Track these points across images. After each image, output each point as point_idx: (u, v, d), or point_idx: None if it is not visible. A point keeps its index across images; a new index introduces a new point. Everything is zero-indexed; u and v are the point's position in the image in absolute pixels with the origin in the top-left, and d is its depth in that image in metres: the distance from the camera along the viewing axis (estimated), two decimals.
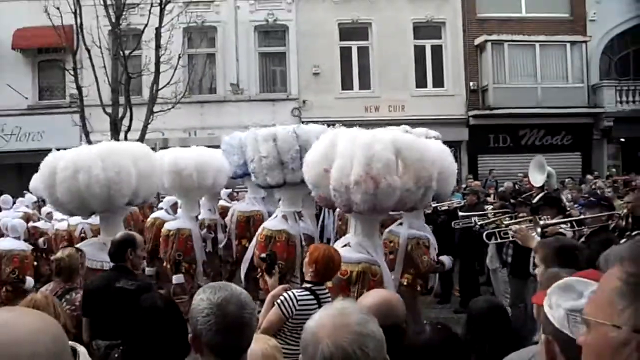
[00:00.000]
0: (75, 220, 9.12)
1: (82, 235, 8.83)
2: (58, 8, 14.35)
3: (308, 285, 3.85)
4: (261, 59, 18.59)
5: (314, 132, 6.79)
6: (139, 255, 4.69)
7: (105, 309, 3.98)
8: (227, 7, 18.06)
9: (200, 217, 9.14)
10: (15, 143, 18.01)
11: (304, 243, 7.04)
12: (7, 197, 11.78)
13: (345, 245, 5.03)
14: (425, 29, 18.71)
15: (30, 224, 9.94)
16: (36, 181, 12.31)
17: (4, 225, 8.44)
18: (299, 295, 3.70)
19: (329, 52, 18.08)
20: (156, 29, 14.67)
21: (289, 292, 3.75)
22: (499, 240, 6.74)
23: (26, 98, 18.08)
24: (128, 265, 4.51)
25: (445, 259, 6.16)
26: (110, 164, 5.89)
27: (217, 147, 9.42)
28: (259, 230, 7.18)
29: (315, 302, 3.72)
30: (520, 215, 6.86)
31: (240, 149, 8.25)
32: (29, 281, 7.59)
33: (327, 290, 3.94)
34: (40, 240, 9.38)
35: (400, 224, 6.27)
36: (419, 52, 18.62)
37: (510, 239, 6.38)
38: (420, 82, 18.58)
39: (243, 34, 18.05)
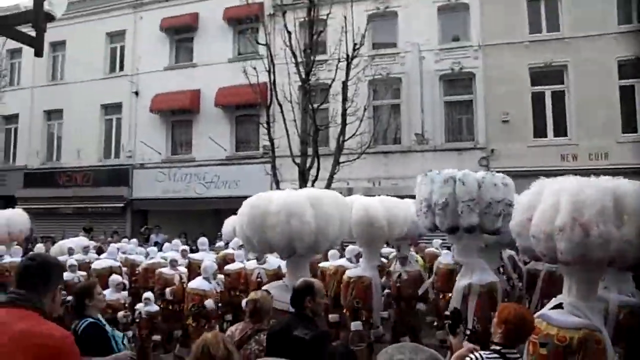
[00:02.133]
0: (252, 265, 9.53)
1: (259, 279, 9.16)
2: (254, 68, 15.52)
3: (497, 348, 3.47)
4: (447, 108, 18.13)
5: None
6: (318, 302, 4.61)
7: (283, 354, 3.83)
8: (411, 58, 18.02)
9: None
10: (214, 190, 19.61)
11: None
12: (204, 239, 12.65)
13: (556, 307, 4.48)
14: (634, 67, 16.80)
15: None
16: (228, 226, 13.17)
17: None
18: (487, 358, 3.37)
19: (519, 99, 17.03)
20: (343, 82, 15.06)
21: (477, 354, 3.43)
22: None
23: (225, 150, 19.69)
24: (307, 312, 4.45)
25: None
26: (320, 212, 6.07)
27: (402, 197, 9.24)
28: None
29: None
30: None
31: None
32: (209, 303, 8.29)
33: (518, 355, 3.57)
34: (167, 290, 9.61)
35: (605, 287, 5.37)
36: (626, 93, 16.67)
37: None
38: (627, 127, 16.61)
39: (428, 84, 17.82)
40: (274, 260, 9.69)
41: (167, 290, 9.61)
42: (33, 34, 5.84)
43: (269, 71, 15.45)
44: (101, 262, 11.36)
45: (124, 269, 11.41)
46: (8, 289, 5.71)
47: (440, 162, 16.40)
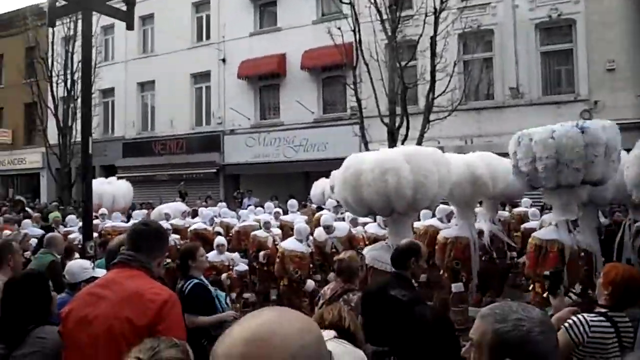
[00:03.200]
0: (322, 236, 9.39)
1: (333, 250, 9.01)
2: (339, 28, 15.32)
3: (603, 310, 3.23)
4: (543, 59, 16.94)
5: (601, 129, 5.82)
6: (421, 265, 4.55)
7: (378, 314, 3.97)
8: (504, 7, 17.01)
9: (480, 227, 9.01)
10: (302, 153, 19.74)
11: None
12: (293, 202, 12.95)
13: None
14: None
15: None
16: (317, 188, 13.39)
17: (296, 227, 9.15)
18: (591, 321, 3.12)
19: (627, 44, 15.58)
20: (431, 37, 14.52)
21: (579, 316, 3.18)
22: None
23: (312, 112, 19.65)
24: (408, 273, 4.39)
25: None
26: (417, 167, 5.80)
27: (496, 155, 8.92)
28: (530, 239, 6.44)
29: (612, 330, 3.11)
30: None
31: None
32: (309, 284, 8.31)
33: (627, 319, 3.28)
34: (261, 254, 9.82)
35: None
36: None
37: None
38: None
39: (522, 34, 16.76)
40: (342, 227, 9.57)
41: (261, 254, 9.83)
42: (124, 9, 5.98)
43: (354, 30, 15.21)
44: (194, 226, 11.78)
45: (220, 230, 11.71)
46: (107, 249, 5.99)
47: (536, 117, 15.55)
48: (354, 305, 4.46)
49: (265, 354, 1.03)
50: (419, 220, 9.81)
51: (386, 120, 14.75)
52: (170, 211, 13.09)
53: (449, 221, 9.08)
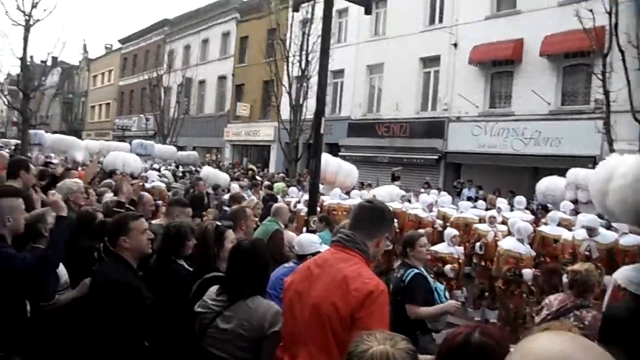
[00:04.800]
0: (581, 235, 8.47)
1: (587, 252, 8.14)
2: (591, 10, 13.71)
3: None
4: None
5: None
6: None
7: (623, 341, 3.19)
8: None
9: None
10: (533, 147, 18.35)
11: None
12: (521, 198, 12.20)
13: None
14: None
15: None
16: (541, 186, 12.42)
17: (512, 225, 8.71)
18: None
19: None
20: None
21: None
22: None
23: (548, 103, 18.06)
24: None
25: None
26: None
27: None
28: None
29: None
30: None
31: None
32: (527, 273, 7.70)
33: None
34: (477, 244, 9.37)
35: None
36: None
37: None
38: None
39: None
40: (609, 234, 8.37)
41: (477, 244, 9.34)
42: None
43: (609, 13, 13.47)
44: (412, 211, 11.76)
45: (439, 221, 11.37)
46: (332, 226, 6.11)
47: None
48: (587, 324, 4.07)
49: None
50: None
51: (639, 116, 12.91)
52: (386, 194, 13.17)
53: None
